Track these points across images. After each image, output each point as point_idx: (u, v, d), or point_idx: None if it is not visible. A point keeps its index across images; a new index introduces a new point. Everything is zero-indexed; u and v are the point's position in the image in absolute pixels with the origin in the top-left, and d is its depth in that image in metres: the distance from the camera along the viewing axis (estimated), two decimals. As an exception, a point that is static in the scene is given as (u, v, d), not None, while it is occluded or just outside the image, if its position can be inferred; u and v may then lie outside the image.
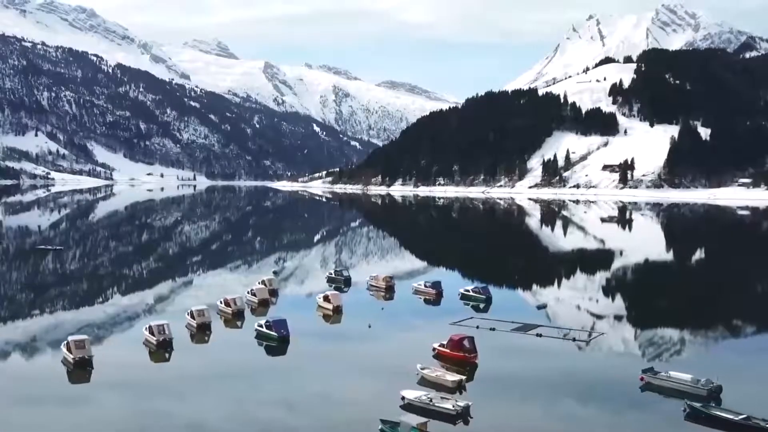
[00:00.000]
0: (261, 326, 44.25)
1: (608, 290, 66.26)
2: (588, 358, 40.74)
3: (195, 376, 36.18)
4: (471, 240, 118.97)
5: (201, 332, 45.12)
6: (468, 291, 58.10)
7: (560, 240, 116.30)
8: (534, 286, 68.39)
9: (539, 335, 44.28)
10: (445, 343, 38.94)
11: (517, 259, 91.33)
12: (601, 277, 74.73)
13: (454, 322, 46.83)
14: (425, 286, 60.60)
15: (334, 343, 44.27)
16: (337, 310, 51.55)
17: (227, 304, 51.09)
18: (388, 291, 61.20)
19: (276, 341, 42.36)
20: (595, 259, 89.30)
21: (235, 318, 49.61)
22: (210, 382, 34.75)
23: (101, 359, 37.15)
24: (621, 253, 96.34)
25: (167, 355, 39.74)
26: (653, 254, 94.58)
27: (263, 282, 60.23)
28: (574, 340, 43.30)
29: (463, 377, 34.09)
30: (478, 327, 45.75)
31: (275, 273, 72.23)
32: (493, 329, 45.68)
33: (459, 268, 78.52)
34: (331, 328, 48.53)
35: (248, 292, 56.40)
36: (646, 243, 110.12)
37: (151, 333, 41.29)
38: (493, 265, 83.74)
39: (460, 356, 37.91)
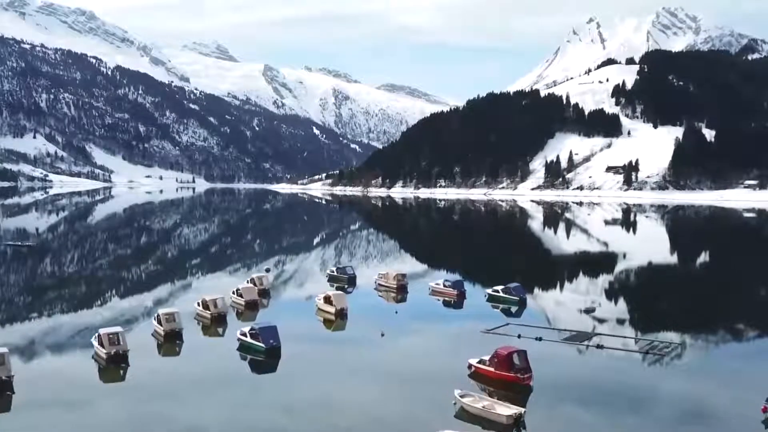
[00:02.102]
0: (245, 335, 36.25)
1: (648, 295, 59.26)
2: (674, 378, 31.92)
3: (150, 401, 28.30)
4: (475, 242, 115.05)
5: (169, 342, 37.42)
6: (497, 291, 50.45)
7: (570, 243, 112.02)
8: (557, 289, 61.31)
9: (600, 346, 36.26)
10: (487, 359, 30.63)
11: (527, 261, 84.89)
12: (633, 280, 67.73)
13: (488, 330, 39.44)
14: (444, 285, 53.01)
15: (339, 356, 35.97)
16: (341, 314, 43.82)
17: (205, 306, 42.72)
18: (400, 291, 53.97)
19: (263, 354, 34.60)
20: (617, 262, 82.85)
21: (215, 323, 41.79)
22: (172, 409, 27.26)
23: (27, 379, 29.82)
24: (649, 256, 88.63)
25: (121, 372, 31.92)
26: (679, 258, 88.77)
27: (252, 280, 51.98)
28: (647, 353, 35.22)
29: (523, 410, 25.42)
30: (519, 336, 37.87)
31: (268, 270, 65.22)
32: (540, 339, 37.80)
33: (468, 271, 70.81)
34: (334, 336, 40.98)
35: (233, 293, 48.30)
36: (662, 246, 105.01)
37: (101, 344, 33.18)
38: (504, 268, 75.60)
39: (511, 377, 29.31)
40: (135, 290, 58.56)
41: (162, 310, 39.69)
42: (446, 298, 51.65)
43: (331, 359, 35.02)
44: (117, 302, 52.53)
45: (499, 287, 50.88)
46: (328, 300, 45.14)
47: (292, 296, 56.81)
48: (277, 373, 32.97)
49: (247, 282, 51.60)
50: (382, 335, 38.87)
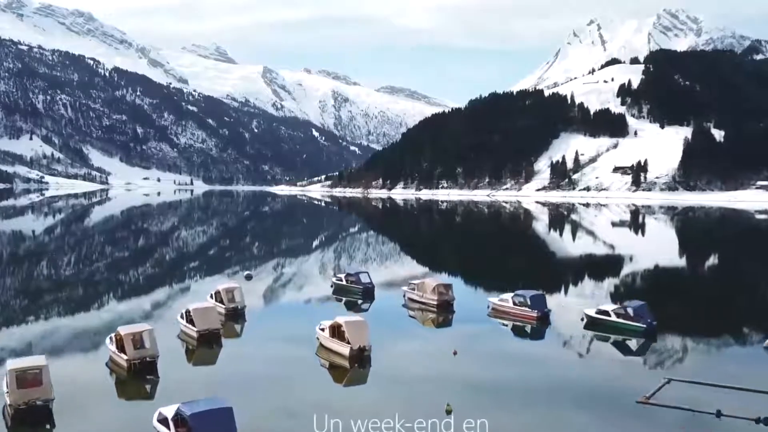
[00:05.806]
0: (167, 425, 18.83)
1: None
2: None
3: None
4: (484, 244, 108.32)
5: (24, 424, 20.03)
6: (605, 314, 33.19)
7: (591, 247, 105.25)
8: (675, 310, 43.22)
9: None
10: None
11: (563, 267, 74.16)
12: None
13: (646, 399, 22.49)
14: (515, 303, 35.74)
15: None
16: (360, 357, 26.83)
17: (120, 345, 24.94)
18: (443, 308, 37.01)
19: None
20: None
21: (133, 375, 24.11)
22: None
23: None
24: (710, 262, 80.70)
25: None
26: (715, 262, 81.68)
27: (217, 294, 34.65)
28: None
29: None
30: (719, 415, 21.26)
31: (249, 278, 50.89)
32: (760, 421, 21.01)
33: (492, 278, 57.38)
34: (350, 407, 21.82)
35: (181, 316, 30.86)
36: (687, 249, 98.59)
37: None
38: (535, 275, 62.02)
39: None
40: (70, 313, 42.72)
41: (13, 363, 21.59)
42: (517, 322, 35.37)
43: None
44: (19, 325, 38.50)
45: (609, 307, 34.15)
46: (336, 331, 27.97)
47: (280, 318, 39.67)
48: None
49: (209, 297, 34.38)
50: (449, 411, 21.87)
